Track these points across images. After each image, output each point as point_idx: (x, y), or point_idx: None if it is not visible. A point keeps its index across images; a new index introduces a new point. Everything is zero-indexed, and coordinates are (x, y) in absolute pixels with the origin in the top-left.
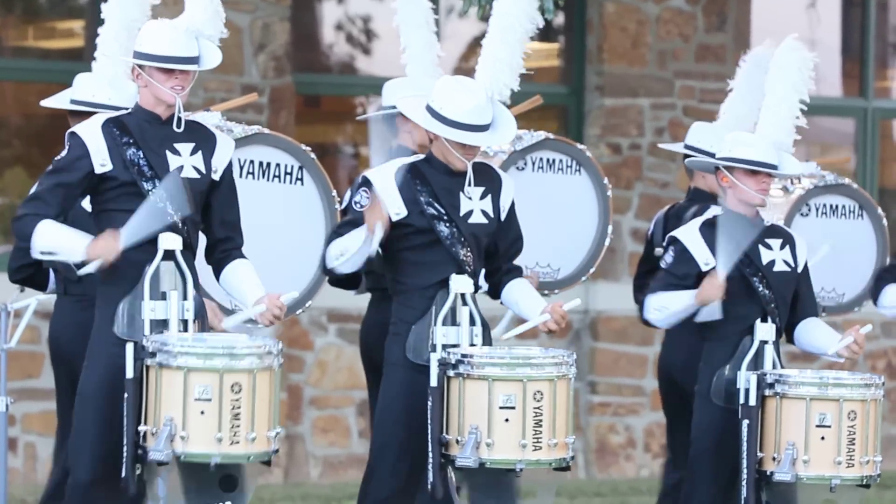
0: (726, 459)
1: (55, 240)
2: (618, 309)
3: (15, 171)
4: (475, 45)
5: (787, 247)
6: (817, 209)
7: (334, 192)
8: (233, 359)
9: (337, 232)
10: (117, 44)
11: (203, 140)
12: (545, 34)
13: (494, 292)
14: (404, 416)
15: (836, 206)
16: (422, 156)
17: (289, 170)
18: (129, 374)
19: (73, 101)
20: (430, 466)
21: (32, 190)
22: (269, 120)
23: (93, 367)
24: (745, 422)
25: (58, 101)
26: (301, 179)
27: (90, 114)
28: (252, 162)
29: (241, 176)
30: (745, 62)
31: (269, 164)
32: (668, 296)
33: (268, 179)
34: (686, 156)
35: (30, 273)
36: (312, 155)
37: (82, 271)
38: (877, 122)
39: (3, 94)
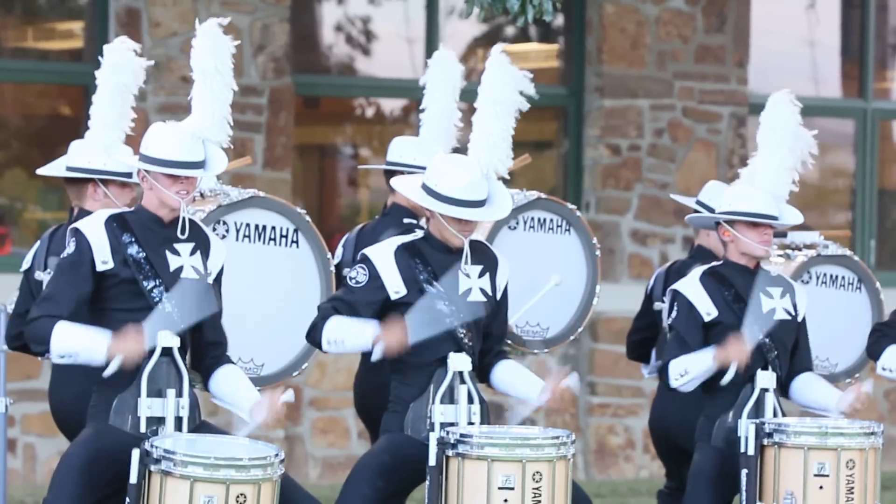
0: (722, 498)
1: (75, 342)
2: (617, 310)
3: (14, 172)
4: (475, 46)
5: (788, 295)
6: (818, 278)
7: (329, 255)
8: (238, 471)
9: (334, 307)
10: (111, 109)
11: (200, 241)
12: (544, 35)
13: (483, 375)
14: (388, 474)
15: (836, 277)
16: (420, 233)
17: (284, 232)
18: (133, 479)
19: (69, 168)
20: None
21: (44, 288)
22: (269, 121)
23: (84, 443)
24: (745, 471)
25: (54, 168)
26: (296, 242)
27: (86, 180)
28: (248, 225)
29: (237, 239)
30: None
31: (264, 227)
32: (688, 360)
33: (263, 242)
34: (695, 211)
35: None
36: (307, 217)
37: (107, 373)
38: (876, 123)
39: (2, 95)
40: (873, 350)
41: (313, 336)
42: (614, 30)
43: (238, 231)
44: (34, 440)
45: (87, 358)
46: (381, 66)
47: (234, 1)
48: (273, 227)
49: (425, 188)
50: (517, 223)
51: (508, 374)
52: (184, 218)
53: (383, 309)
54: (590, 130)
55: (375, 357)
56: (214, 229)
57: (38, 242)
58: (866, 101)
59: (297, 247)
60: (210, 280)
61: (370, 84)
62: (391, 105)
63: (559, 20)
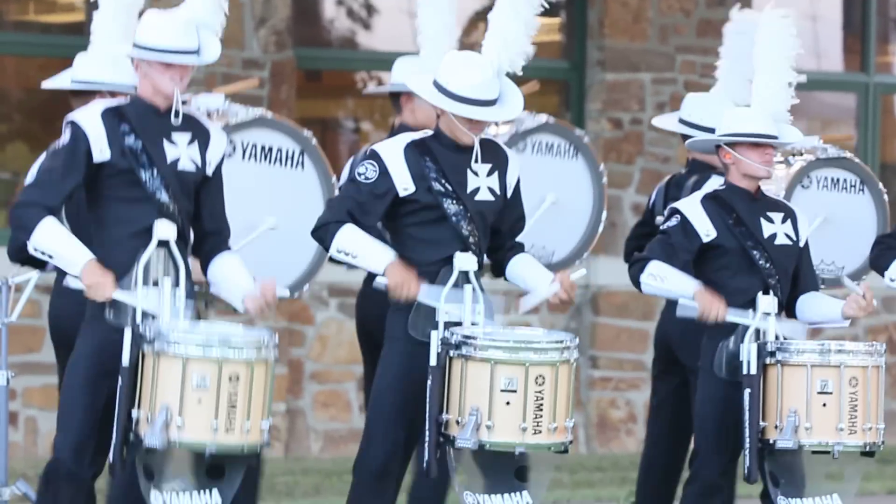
0: (731, 431)
1: (56, 245)
2: (619, 284)
3: (16, 145)
4: (476, 19)
5: (789, 220)
6: (818, 182)
7: (334, 178)
8: (231, 349)
9: (348, 210)
10: (115, 23)
11: (199, 133)
12: (546, 9)
13: (498, 269)
14: (402, 389)
15: (838, 180)
16: (430, 131)
17: (290, 154)
18: (126, 360)
19: (75, 81)
20: (426, 445)
21: (33, 175)
22: (271, 94)
23: (83, 349)
24: (747, 391)
25: (59, 81)
26: (302, 164)
27: (91, 93)
28: (254, 145)
29: (243, 159)
30: (727, 32)
31: (270, 148)
32: (671, 271)
33: (269, 163)
34: (684, 135)
35: (30, 255)
36: (314, 140)
37: (70, 283)
38: (878, 97)
39: (4, 68)
40: (878, 262)
41: (321, 235)
42: (616, 3)
43: (245, 150)
44: (35, 413)
45: (61, 264)
46: (382, 40)
47: None
48: (279, 149)
49: (436, 85)
50: (525, 146)
51: (521, 267)
52: (176, 106)
53: (392, 206)
54: (591, 104)
55: (377, 285)
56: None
57: None
58: (868, 75)
59: (303, 169)
60: (209, 171)
61: (371, 57)
62: None
63: None
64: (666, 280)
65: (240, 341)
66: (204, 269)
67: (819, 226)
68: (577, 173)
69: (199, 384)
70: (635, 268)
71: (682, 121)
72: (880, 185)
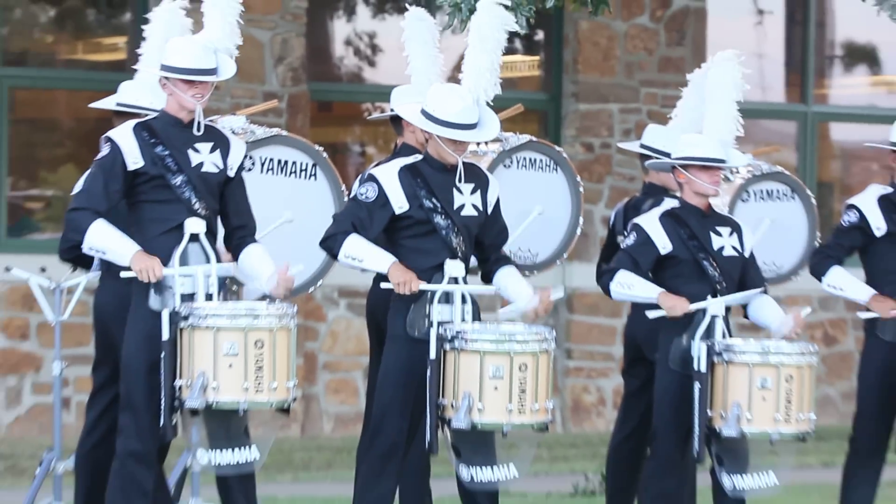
0: (683, 415)
1: (107, 241)
2: (591, 286)
3: (67, 167)
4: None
5: (735, 234)
6: (755, 194)
7: (343, 187)
8: (255, 319)
9: (352, 222)
10: (158, 56)
11: (220, 141)
12: (528, 48)
13: (486, 278)
14: (405, 383)
15: (772, 191)
16: (420, 156)
17: (304, 167)
18: (165, 336)
19: (119, 104)
20: (427, 427)
21: (80, 185)
22: (288, 123)
23: (132, 337)
24: (697, 385)
25: (105, 103)
26: (314, 175)
27: (133, 115)
28: (272, 160)
29: (261, 172)
30: (693, 76)
31: (286, 162)
32: (637, 279)
33: (285, 175)
34: (642, 155)
35: (78, 254)
36: (325, 154)
37: (123, 274)
38: (816, 124)
39: (56, 100)
40: (817, 269)
41: (329, 244)
42: (588, 43)
43: (263, 165)
44: (85, 398)
45: (112, 258)
46: (386, 75)
47: (257, 18)
48: (294, 162)
49: (424, 114)
50: (511, 162)
51: (504, 278)
52: (198, 119)
53: (389, 221)
54: (567, 131)
55: (384, 285)
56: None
57: None
58: (807, 105)
59: (315, 180)
60: (231, 173)
61: (376, 90)
62: None
63: (540, 35)
64: (633, 287)
65: (263, 312)
66: (235, 259)
67: (762, 230)
68: (557, 186)
69: (229, 351)
70: (605, 278)
71: (643, 146)
72: (808, 191)
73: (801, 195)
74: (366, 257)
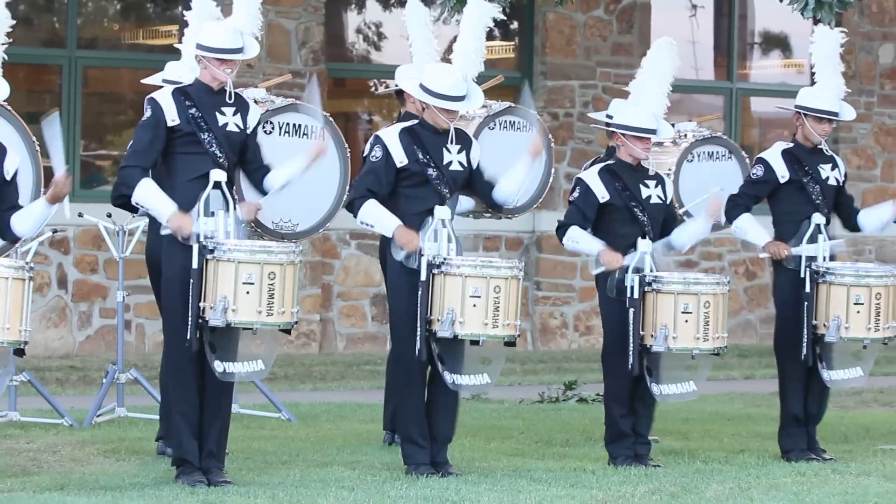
0: (624, 335)
1: (149, 199)
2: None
3: (128, 132)
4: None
5: (660, 185)
6: (699, 155)
7: (346, 147)
8: (269, 254)
9: (368, 188)
10: (196, 37)
11: (241, 106)
12: (504, 35)
13: (491, 203)
14: (410, 299)
15: (713, 153)
16: (416, 121)
17: (313, 130)
18: (195, 265)
19: (165, 81)
20: (418, 338)
21: (131, 144)
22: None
23: (168, 267)
24: (632, 310)
25: (154, 79)
26: (322, 136)
27: None
28: (288, 124)
29: (279, 135)
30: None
31: (299, 126)
32: (584, 236)
33: (299, 137)
34: (608, 123)
35: (125, 202)
36: (330, 119)
37: (163, 231)
38: (739, 98)
39: (120, 77)
40: (729, 214)
41: (352, 208)
42: (554, 31)
43: (281, 128)
44: (143, 321)
45: (153, 213)
46: (390, 57)
47: (284, 10)
48: (306, 126)
49: (422, 87)
50: (495, 124)
51: (503, 179)
52: (228, 89)
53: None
54: (537, 103)
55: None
56: (263, 128)
57: None
58: (732, 82)
59: (323, 139)
60: (249, 131)
61: (382, 69)
62: None
63: (515, 25)
64: (579, 242)
65: (276, 249)
66: (261, 184)
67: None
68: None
69: (247, 280)
70: (560, 231)
71: (608, 115)
72: (743, 153)
73: (738, 156)
74: (376, 222)
